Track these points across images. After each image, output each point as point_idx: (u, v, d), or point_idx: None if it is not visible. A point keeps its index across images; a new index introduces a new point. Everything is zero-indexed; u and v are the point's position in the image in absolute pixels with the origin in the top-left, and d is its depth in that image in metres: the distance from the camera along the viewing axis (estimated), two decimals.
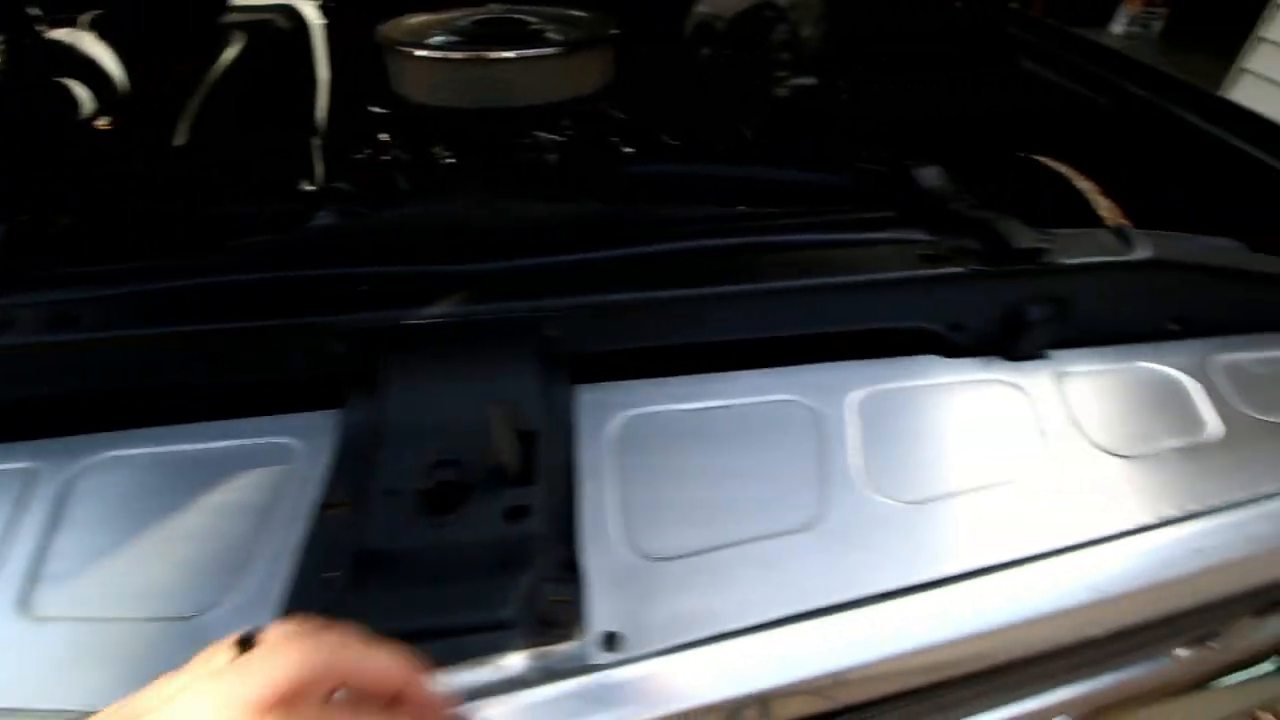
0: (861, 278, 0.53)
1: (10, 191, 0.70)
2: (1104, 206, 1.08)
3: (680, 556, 0.45)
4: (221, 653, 0.31)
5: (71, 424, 0.53)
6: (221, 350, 0.51)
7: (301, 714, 0.28)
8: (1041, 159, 1.16)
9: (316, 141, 1.03)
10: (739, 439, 0.53)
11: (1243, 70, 3.15)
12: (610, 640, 0.41)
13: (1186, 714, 0.92)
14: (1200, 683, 0.90)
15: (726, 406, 0.56)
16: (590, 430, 0.54)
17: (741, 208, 0.76)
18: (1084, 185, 1.10)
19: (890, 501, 0.49)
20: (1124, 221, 1.04)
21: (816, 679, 0.39)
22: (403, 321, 0.50)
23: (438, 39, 0.94)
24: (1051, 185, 1.13)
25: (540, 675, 0.39)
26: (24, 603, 0.44)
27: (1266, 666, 1.03)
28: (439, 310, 0.50)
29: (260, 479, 0.51)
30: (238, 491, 0.50)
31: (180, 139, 0.90)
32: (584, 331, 0.54)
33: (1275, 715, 1.43)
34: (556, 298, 0.52)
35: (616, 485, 0.50)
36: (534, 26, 0.97)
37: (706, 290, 0.53)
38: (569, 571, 0.44)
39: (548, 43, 0.93)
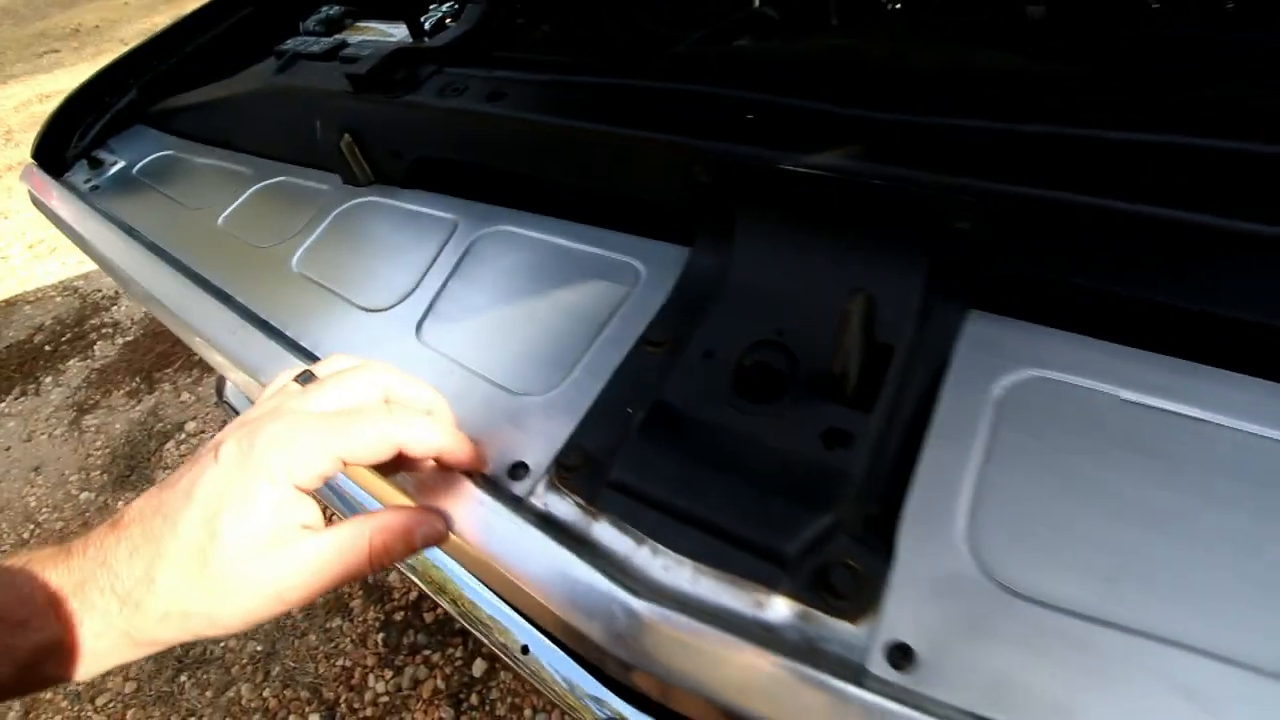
0: None
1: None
2: None
3: (1045, 605, 0.30)
4: (290, 384, 0.38)
5: (483, 191, 0.60)
6: (602, 151, 0.50)
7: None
8: None
9: None
10: (1214, 479, 0.33)
11: None
12: (902, 655, 0.30)
13: None
14: None
15: (1205, 422, 0.34)
16: (967, 374, 0.39)
17: None
18: None
19: None
20: None
21: None
22: (779, 164, 0.40)
23: None
24: None
25: (794, 643, 0.31)
26: (420, 329, 0.54)
27: None
28: (824, 160, 0.39)
29: (607, 293, 0.50)
30: (587, 298, 0.51)
31: None
32: (1008, 236, 0.37)
33: None
34: (985, 180, 0.36)
35: (980, 462, 0.36)
36: None
37: (1220, 222, 0.30)
38: (877, 540, 0.34)
39: None
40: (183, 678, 1.50)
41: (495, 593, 0.60)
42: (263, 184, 0.75)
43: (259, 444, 0.33)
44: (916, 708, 0.28)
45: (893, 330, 0.40)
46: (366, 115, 0.62)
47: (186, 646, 1.54)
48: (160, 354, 2.20)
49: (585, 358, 0.46)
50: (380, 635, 1.51)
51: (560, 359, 0.47)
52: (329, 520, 0.36)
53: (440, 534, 0.38)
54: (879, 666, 0.30)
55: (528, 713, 1.35)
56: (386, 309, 0.55)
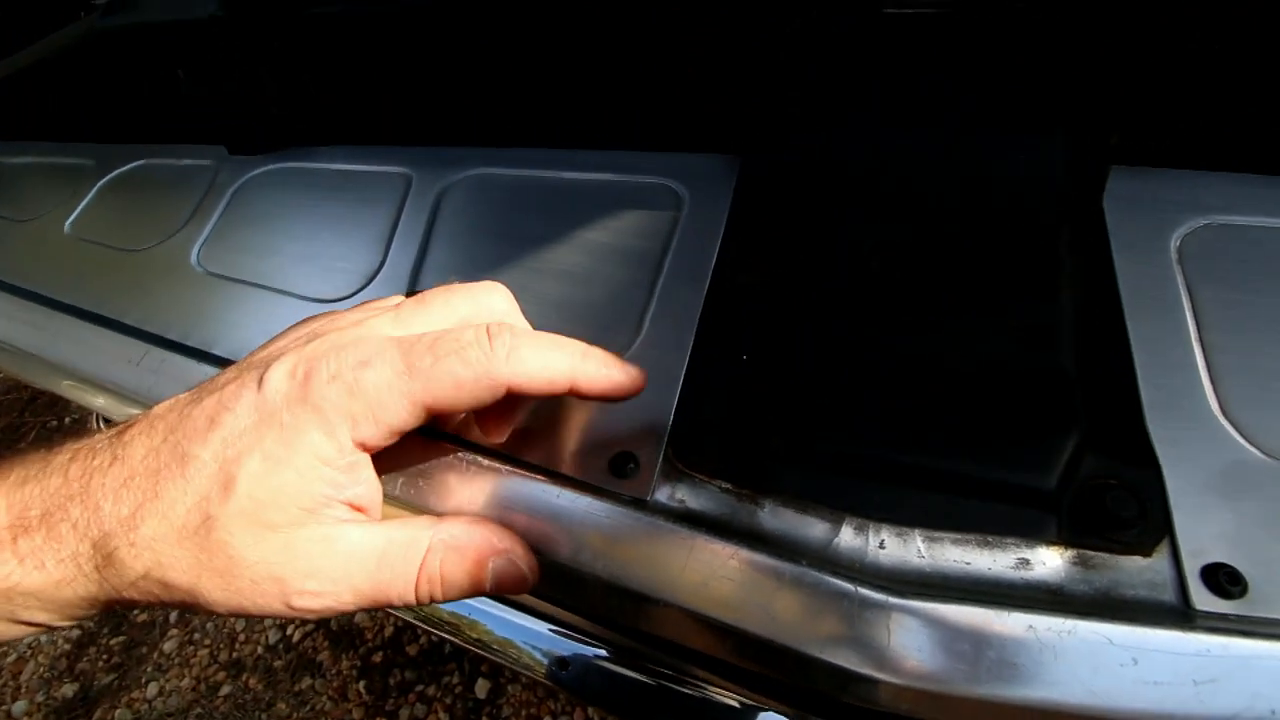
0: None
1: None
2: None
3: None
4: (395, 299, 0.30)
5: (430, 132, 0.46)
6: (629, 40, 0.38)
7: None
8: None
9: None
10: None
11: None
12: (1226, 577, 0.23)
13: None
14: None
15: None
16: (1133, 236, 0.33)
17: None
18: None
19: None
20: None
21: None
22: (885, 8, 0.31)
23: None
24: None
25: (1089, 599, 0.24)
26: None
27: None
28: None
29: (648, 224, 0.40)
30: (624, 235, 0.39)
31: None
32: (1173, 59, 0.30)
33: None
34: None
35: (1195, 328, 0.30)
36: None
37: None
38: (1130, 447, 0.27)
39: None
40: None
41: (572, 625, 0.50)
42: (113, 174, 0.57)
43: (319, 375, 0.24)
44: (1276, 637, 0.22)
45: (1042, 197, 0.32)
46: (253, 47, 0.46)
47: None
48: (5, 427, 1.82)
49: (652, 306, 0.36)
50: (361, 684, 1.35)
51: (621, 314, 0.36)
52: None
53: (519, 576, 0.27)
54: (1204, 599, 0.23)
55: (547, 719, 1.26)
56: (351, 295, 0.42)
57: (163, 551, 0.23)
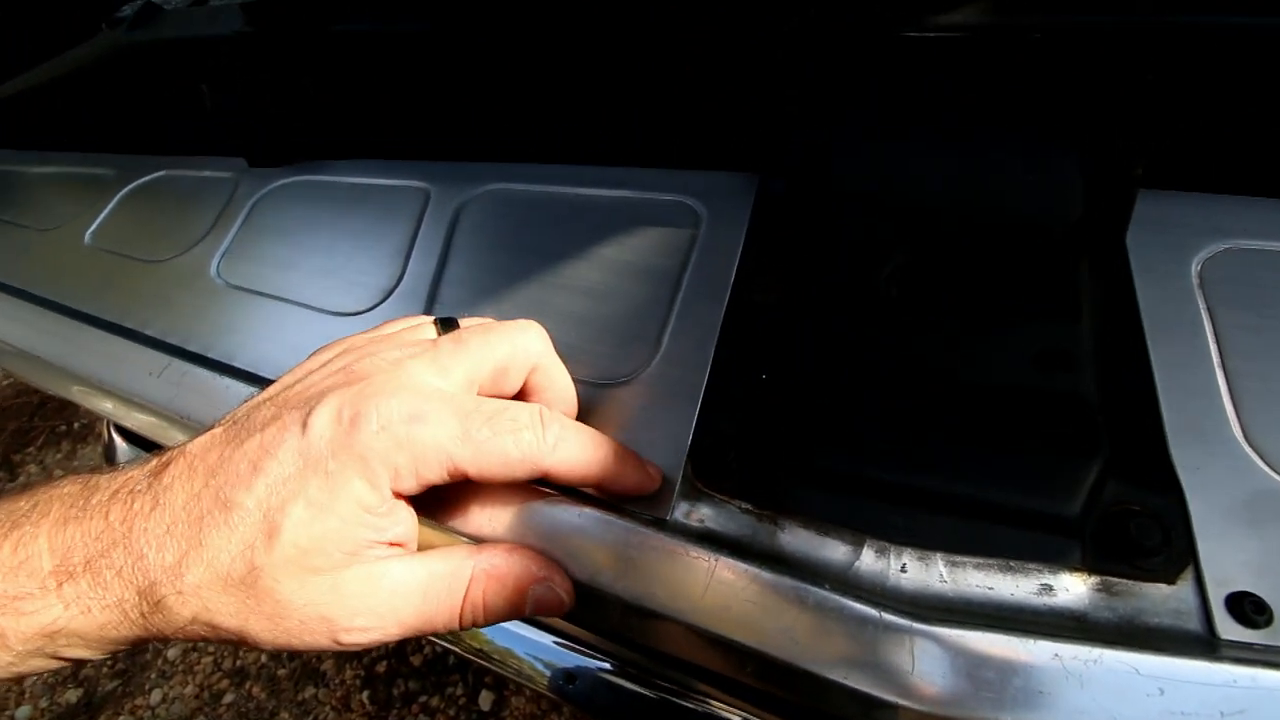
0: None
1: None
2: None
3: None
4: (426, 328, 0.30)
5: (446, 147, 0.47)
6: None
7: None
8: None
9: None
10: None
11: None
12: (1251, 606, 0.23)
13: None
14: None
15: None
16: (1153, 260, 0.33)
17: None
18: None
19: None
20: None
21: None
22: (902, 32, 0.31)
23: None
24: None
25: (1114, 627, 0.24)
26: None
27: None
28: (956, 19, 0.30)
29: (667, 241, 0.40)
30: (643, 253, 0.40)
31: None
32: (1188, 86, 0.31)
33: None
34: (1174, 15, 0.29)
35: (1218, 354, 0.29)
36: None
37: None
38: (1153, 473, 0.26)
39: None
40: None
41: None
42: (134, 185, 0.58)
43: (365, 423, 0.24)
44: None
45: (1065, 226, 0.32)
46: (278, 63, 0.47)
47: None
48: (15, 431, 1.83)
49: (670, 324, 0.36)
50: (365, 694, 1.34)
51: (640, 331, 0.36)
52: None
53: (557, 601, 0.27)
54: (1229, 628, 0.23)
55: None
56: (370, 309, 0.42)
57: (209, 598, 0.23)
